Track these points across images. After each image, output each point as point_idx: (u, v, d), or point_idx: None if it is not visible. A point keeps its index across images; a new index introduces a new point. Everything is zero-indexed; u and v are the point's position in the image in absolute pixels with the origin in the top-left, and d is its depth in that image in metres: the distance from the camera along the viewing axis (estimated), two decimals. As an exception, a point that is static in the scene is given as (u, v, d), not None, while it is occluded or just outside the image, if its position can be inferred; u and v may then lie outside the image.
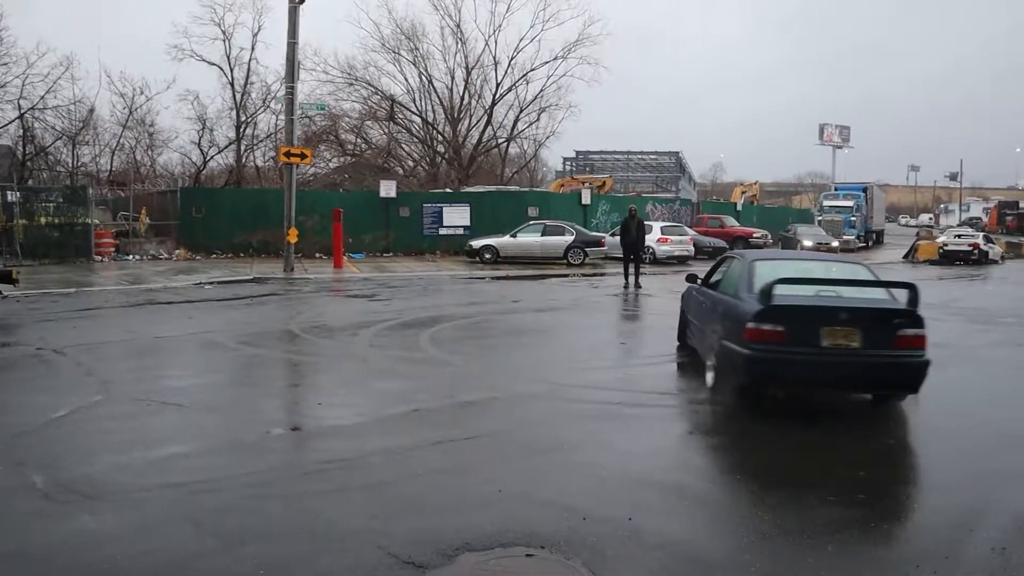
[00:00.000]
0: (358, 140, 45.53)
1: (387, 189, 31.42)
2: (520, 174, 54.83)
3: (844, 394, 8.37)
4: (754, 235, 37.02)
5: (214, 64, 37.20)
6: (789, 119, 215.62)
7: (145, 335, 12.09)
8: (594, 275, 24.62)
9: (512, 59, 43.71)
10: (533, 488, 5.57)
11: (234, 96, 37.60)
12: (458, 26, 43.47)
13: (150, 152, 39.59)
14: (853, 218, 43.42)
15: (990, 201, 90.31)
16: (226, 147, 38.82)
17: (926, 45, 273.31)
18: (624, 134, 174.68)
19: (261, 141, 39.69)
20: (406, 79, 44.30)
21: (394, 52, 43.38)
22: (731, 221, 39.46)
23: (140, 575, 4.25)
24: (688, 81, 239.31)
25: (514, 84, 44.21)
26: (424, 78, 44.19)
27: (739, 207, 45.71)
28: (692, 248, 30.25)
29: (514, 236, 27.97)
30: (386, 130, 45.38)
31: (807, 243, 34.54)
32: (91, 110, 35.03)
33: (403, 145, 47.11)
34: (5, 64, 31.66)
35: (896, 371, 7.31)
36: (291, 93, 23.62)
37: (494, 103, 44.40)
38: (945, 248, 34.26)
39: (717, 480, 5.94)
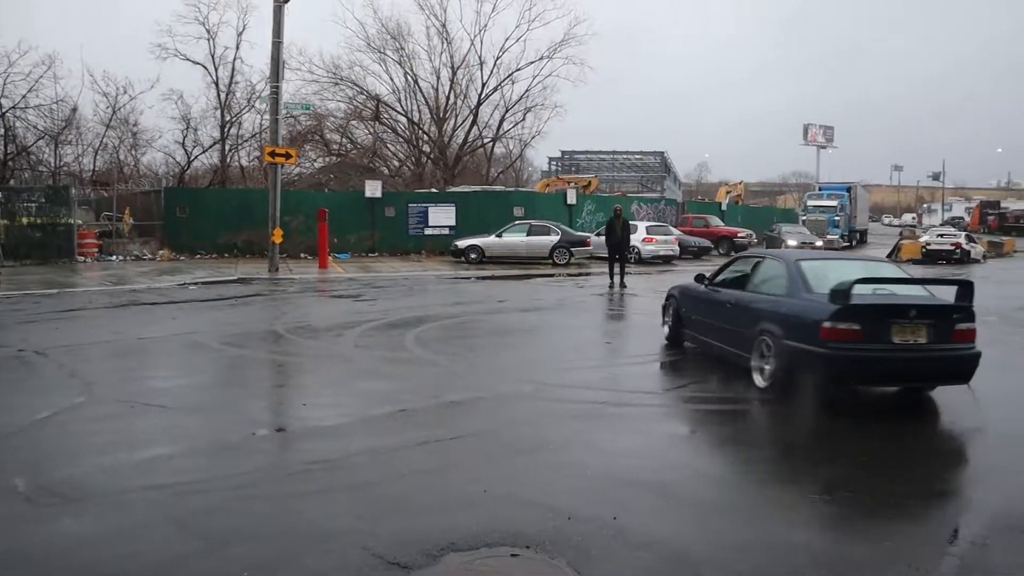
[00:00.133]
0: (343, 140, 45.44)
1: (372, 189, 31.37)
2: (506, 174, 54.84)
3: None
4: (739, 235, 37.18)
5: (198, 63, 37.04)
6: (774, 119, 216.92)
7: (129, 336, 12.02)
8: (579, 275, 24.67)
9: (498, 59, 43.79)
10: (518, 488, 5.58)
11: (219, 95, 37.45)
12: (443, 26, 43.49)
13: (134, 152, 39.39)
14: (837, 218, 43.74)
15: (972, 201, 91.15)
16: (210, 147, 38.65)
17: (910, 47, 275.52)
18: (610, 134, 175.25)
19: (246, 141, 39.53)
20: (391, 79, 44.29)
21: (380, 52, 43.37)
22: (716, 221, 39.61)
23: (123, 577, 4.23)
24: (674, 81, 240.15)
25: (500, 84, 44.27)
26: (410, 78, 44.18)
27: (724, 207, 45.90)
28: (677, 248, 30.39)
29: (500, 236, 27.97)
30: (371, 130, 45.32)
31: (791, 242, 34.71)
32: (74, 109, 34.80)
33: (388, 145, 47.06)
34: (-14, 62, 31.42)
35: (956, 363, 7.76)
36: (276, 93, 23.53)
37: (480, 103, 44.42)
38: (928, 247, 34.57)
39: (702, 479, 5.96)
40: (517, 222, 29.50)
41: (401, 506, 5.23)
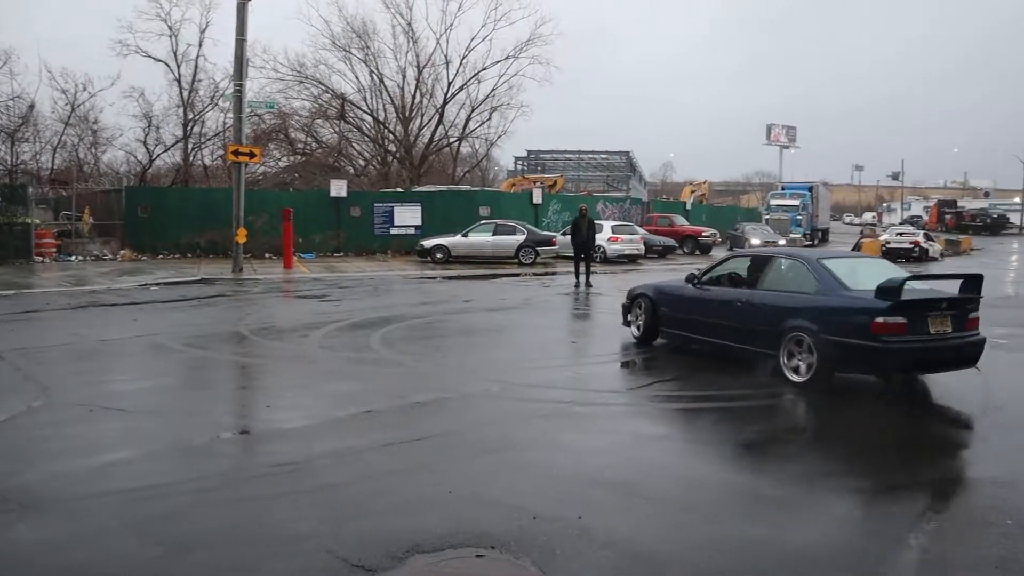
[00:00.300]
0: (308, 139, 45.15)
1: (338, 188, 31.18)
2: (472, 173, 54.82)
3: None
4: (703, 234, 37.54)
5: (160, 60, 36.65)
6: (738, 120, 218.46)
7: (88, 338, 11.81)
8: (545, 274, 24.71)
9: (464, 58, 43.83)
10: (484, 488, 5.58)
11: (181, 93, 37.02)
12: (409, 24, 43.42)
13: (94, 150, 38.78)
14: (799, 216, 44.26)
15: (930, 200, 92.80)
16: (173, 145, 38.22)
17: (869, 47, 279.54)
18: (575, 134, 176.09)
19: (209, 139, 39.13)
20: (357, 77, 44.10)
21: (345, 50, 43.16)
22: (681, 220, 39.97)
23: (81, 585, 4.16)
24: (639, 82, 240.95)
25: (466, 83, 44.31)
26: (375, 77, 44.02)
27: (689, 206, 46.32)
28: (642, 247, 30.60)
29: (465, 236, 27.94)
30: (337, 129, 45.09)
31: (755, 241, 35.08)
32: (31, 106, 34.19)
33: (354, 144, 46.84)
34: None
35: (972, 348, 8.63)
36: (239, 91, 23.29)
37: (446, 102, 44.41)
38: (888, 246, 35.15)
39: (666, 478, 6.00)
40: (483, 222, 29.50)
41: (366, 508, 5.20)
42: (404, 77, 44.35)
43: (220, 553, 4.53)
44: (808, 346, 8.63)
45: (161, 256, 27.81)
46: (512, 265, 26.95)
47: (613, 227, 30.31)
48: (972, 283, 8.77)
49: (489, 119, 45.76)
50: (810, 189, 48.45)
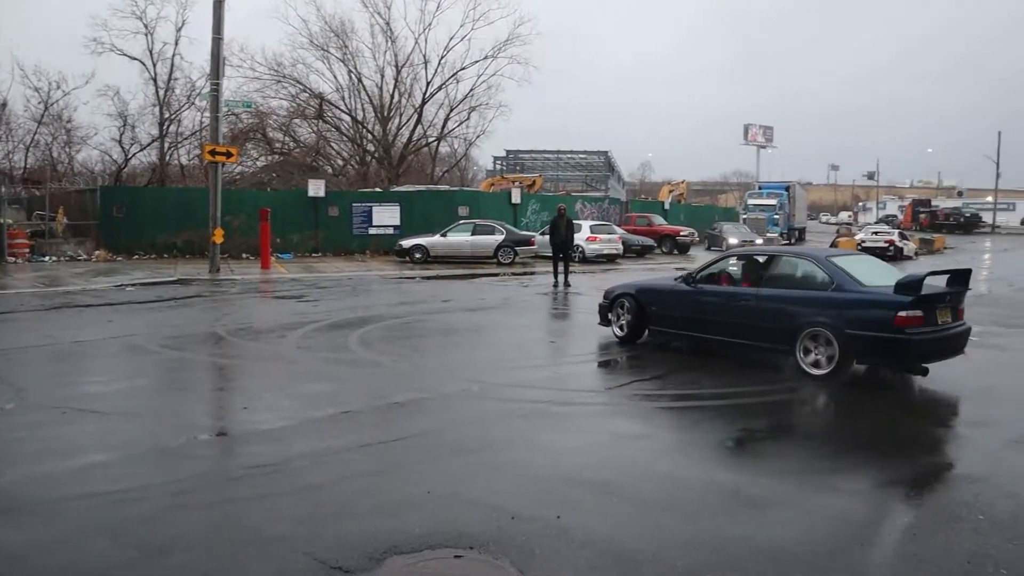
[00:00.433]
0: (286, 138, 44.86)
1: (316, 188, 31.05)
2: (451, 173, 54.71)
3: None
4: (681, 233, 37.73)
5: (136, 59, 36.23)
6: (715, 120, 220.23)
7: (63, 339, 11.69)
8: (524, 274, 24.74)
9: (442, 58, 43.71)
10: (462, 488, 5.58)
11: (157, 92, 36.66)
12: (388, 24, 43.27)
13: (68, 149, 38.35)
14: (776, 216, 44.59)
15: (905, 199, 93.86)
16: (149, 144, 37.81)
17: (846, 48, 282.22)
18: (554, 134, 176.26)
19: (186, 139, 38.75)
20: (335, 77, 43.88)
21: (323, 49, 42.93)
22: (659, 220, 40.11)
23: (56, 589, 4.12)
24: (618, 82, 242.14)
25: (444, 83, 44.18)
26: (354, 76, 43.83)
27: (667, 206, 46.51)
28: (621, 246, 30.69)
29: (444, 235, 27.92)
30: (315, 128, 44.82)
31: (732, 240, 35.35)
32: (3, 104, 33.81)
33: (332, 144, 46.58)
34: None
35: (964, 337, 9.33)
36: (216, 90, 23.13)
37: (424, 102, 44.27)
38: (863, 244, 35.53)
39: (645, 477, 6.03)
40: (462, 221, 29.49)
41: (344, 509, 5.19)
42: (383, 77, 44.23)
43: (197, 555, 4.51)
44: (827, 340, 8.97)
45: (137, 256, 27.56)
46: (491, 265, 26.95)
47: (592, 227, 30.39)
48: (960, 277, 9.32)
49: (468, 119, 45.70)
50: (787, 189, 48.81)
